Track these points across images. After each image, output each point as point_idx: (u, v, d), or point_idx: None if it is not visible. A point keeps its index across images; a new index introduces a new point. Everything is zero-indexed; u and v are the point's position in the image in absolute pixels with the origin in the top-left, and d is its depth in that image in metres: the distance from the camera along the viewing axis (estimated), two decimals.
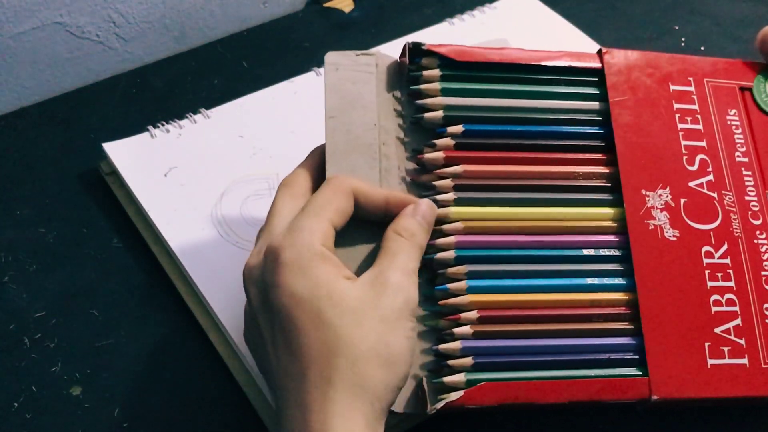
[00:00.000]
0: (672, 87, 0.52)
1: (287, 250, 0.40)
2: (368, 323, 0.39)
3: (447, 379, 0.44)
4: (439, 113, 0.48)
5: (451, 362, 0.44)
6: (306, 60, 0.69)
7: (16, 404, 0.49)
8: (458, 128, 0.48)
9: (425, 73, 0.49)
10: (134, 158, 0.59)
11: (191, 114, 0.63)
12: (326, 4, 0.75)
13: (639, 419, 0.49)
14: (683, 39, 0.72)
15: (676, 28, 0.73)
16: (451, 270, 0.46)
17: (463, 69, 0.49)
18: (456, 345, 0.44)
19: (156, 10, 0.69)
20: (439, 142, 0.48)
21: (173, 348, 0.50)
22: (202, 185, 0.58)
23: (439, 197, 0.47)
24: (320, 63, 0.67)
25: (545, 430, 0.49)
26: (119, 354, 0.51)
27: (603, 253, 0.47)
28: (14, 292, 0.54)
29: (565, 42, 0.69)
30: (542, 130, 0.49)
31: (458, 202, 0.47)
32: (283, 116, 0.63)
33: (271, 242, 0.41)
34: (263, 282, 0.41)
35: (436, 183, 0.47)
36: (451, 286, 0.45)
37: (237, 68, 0.69)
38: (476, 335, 0.45)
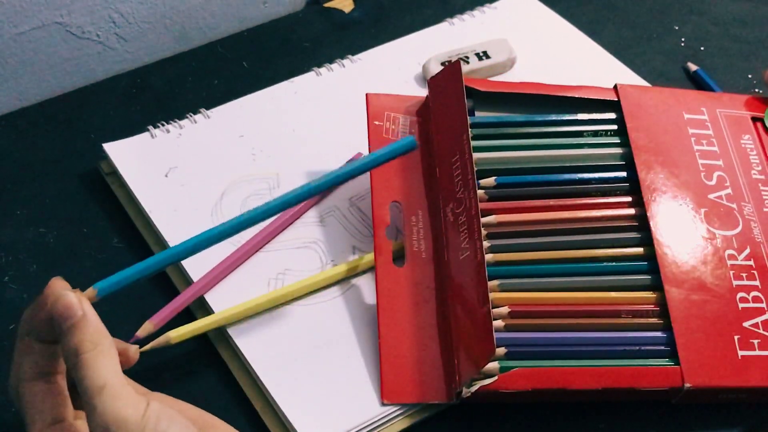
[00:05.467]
0: (686, 115, 0.55)
1: None
2: None
3: None
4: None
5: None
6: (306, 60, 0.68)
7: None
8: (490, 181, 0.51)
9: None
10: (134, 158, 0.59)
11: (191, 114, 0.63)
12: (326, 4, 0.75)
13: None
14: (683, 39, 0.72)
15: (676, 28, 0.73)
16: None
17: (491, 127, 0.54)
18: None
19: (156, 10, 0.69)
20: None
21: (173, 348, 0.50)
22: (203, 185, 0.58)
23: None
24: (320, 63, 0.67)
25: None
26: None
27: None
28: (14, 292, 0.54)
29: (565, 42, 0.69)
30: (569, 178, 0.52)
31: (492, 249, 0.49)
32: (283, 116, 0.63)
33: None
34: None
35: None
36: None
37: (237, 68, 0.69)
38: (508, 328, 0.46)
